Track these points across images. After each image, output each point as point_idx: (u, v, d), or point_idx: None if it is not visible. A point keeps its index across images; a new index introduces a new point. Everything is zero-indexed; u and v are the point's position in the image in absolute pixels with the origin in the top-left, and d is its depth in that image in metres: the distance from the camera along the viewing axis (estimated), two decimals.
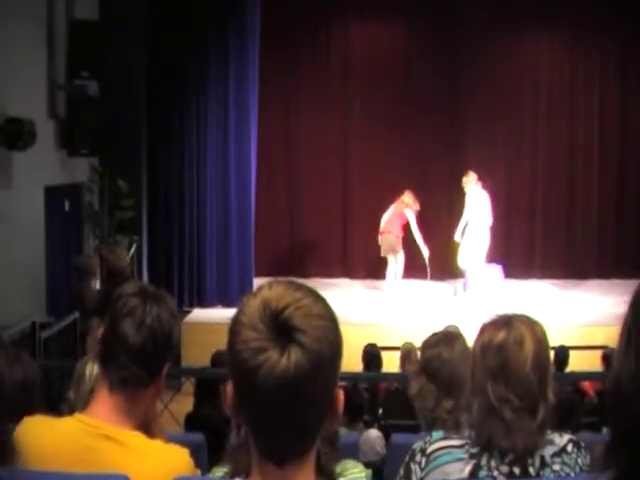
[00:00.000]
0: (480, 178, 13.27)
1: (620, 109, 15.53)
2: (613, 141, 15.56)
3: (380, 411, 7.49)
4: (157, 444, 2.56)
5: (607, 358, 8.38)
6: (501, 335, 2.79)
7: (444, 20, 14.84)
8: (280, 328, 1.53)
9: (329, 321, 1.60)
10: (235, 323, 1.58)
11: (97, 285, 10.98)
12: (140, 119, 12.17)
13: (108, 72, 11.16)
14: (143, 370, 2.54)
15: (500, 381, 2.75)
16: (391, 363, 9.00)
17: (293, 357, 1.51)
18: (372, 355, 8.93)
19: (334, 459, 2.15)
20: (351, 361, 9.21)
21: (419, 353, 4.01)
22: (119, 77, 11.48)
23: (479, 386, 2.82)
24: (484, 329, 2.88)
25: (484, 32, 14.87)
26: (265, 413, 1.56)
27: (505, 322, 2.84)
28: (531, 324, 2.86)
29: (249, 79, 12.95)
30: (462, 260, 13.22)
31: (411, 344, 8.81)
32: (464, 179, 13.21)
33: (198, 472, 2.68)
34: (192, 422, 6.23)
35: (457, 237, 13.24)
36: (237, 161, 12.92)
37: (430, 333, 3.89)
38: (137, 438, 2.53)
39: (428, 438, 2.99)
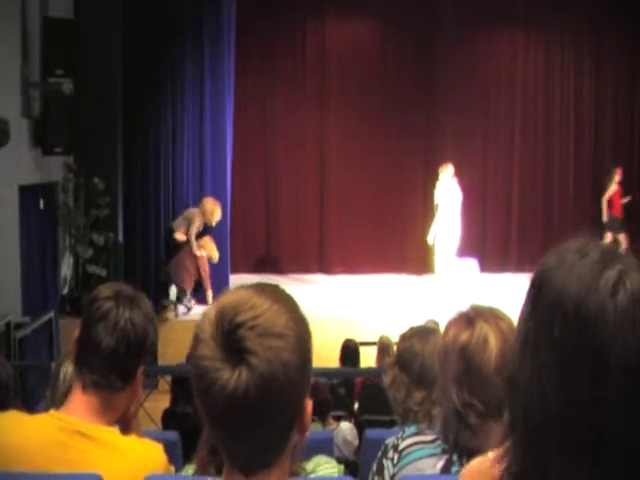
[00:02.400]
0: (457, 172, 13.31)
1: (595, 103, 15.64)
2: (588, 134, 15.67)
3: (356, 406, 7.51)
4: (131, 440, 2.57)
5: None
6: (464, 336, 2.74)
7: (420, 18, 14.85)
8: (231, 348, 1.52)
9: (289, 339, 1.56)
10: (194, 337, 1.57)
11: None
12: (116, 117, 12.10)
13: (83, 70, 11.12)
14: (115, 374, 2.54)
15: (464, 386, 2.72)
16: (369, 358, 9.03)
17: (243, 378, 1.50)
18: (350, 350, 8.95)
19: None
20: (330, 356, 9.27)
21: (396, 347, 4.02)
22: (94, 75, 11.42)
23: (444, 390, 2.81)
24: (448, 329, 2.85)
25: (460, 29, 14.93)
26: (220, 429, 1.57)
27: (468, 321, 2.80)
28: (496, 320, 2.81)
29: (225, 76, 12.92)
30: (438, 256, 13.27)
31: (388, 337, 8.86)
32: (441, 170, 13.23)
33: (172, 468, 2.70)
34: (169, 420, 6.22)
35: (430, 238, 13.25)
36: (213, 158, 12.90)
37: (406, 329, 3.90)
38: (110, 434, 2.53)
39: (400, 434, 3.00)
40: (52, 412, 2.57)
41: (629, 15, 14.96)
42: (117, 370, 2.54)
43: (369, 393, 7.24)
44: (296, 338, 1.57)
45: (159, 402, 7.14)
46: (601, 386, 1.28)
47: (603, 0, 14.86)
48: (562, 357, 1.30)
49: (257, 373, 1.50)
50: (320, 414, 6.19)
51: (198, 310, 12.50)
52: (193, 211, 12.46)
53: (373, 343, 9.04)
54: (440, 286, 13.12)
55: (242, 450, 1.58)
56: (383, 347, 8.60)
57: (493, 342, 2.71)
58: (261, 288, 1.62)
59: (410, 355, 3.59)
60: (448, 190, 13.18)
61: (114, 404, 2.58)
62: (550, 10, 14.90)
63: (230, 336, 1.52)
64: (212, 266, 12.82)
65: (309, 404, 1.63)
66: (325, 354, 9.80)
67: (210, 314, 1.57)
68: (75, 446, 2.47)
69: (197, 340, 1.56)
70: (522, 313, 1.40)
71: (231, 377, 1.50)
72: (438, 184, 13.26)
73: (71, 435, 2.48)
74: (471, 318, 2.77)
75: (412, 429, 3.02)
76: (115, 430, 2.57)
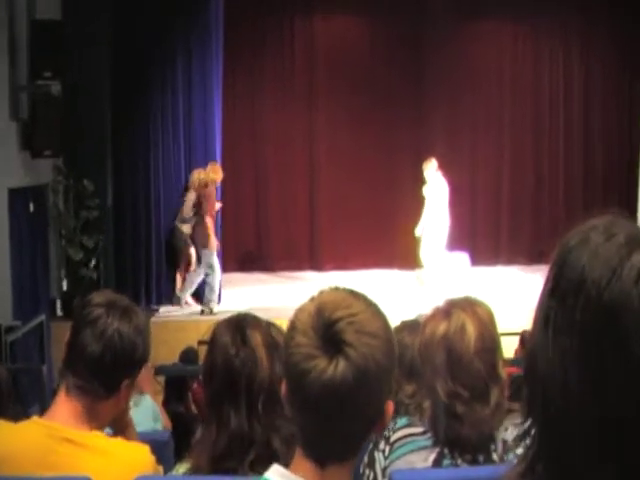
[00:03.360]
0: (442, 165, 13.35)
1: (584, 94, 15.68)
2: (577, 126, 15.69)
3: None
4: (117, 442, 2.58)
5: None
6: (442, 328, 2.77)
7: (408, 14, 14.82)
8: (331, 339, 1.60)
9: (382, 341, 1.66)
10: (290, 327, 1.66)
11: None
12: (105, 118, 12.09)
13: (71, 72, 11.11)
14: (99, 382, 2.55)
15: (447, 376, 2.74)
16: None
17: (340, 368, 1.57)
18: None
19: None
20: None
21: None
22: (83, 77, 11.42)
23: (428, 385, 2.83)
24: (425, 324, 2.87)
25: (448, 24, 14.94)
26: (309, 416, 1.64)
27: (445, 313, 2.81)
28: (472, 307, 2.83)
29: (214, 76, 12.90)
30: (424, 251, 13.29)
31: None
32: (425, 165, 13.29)
33: (160, 469, 2.70)
34: None
35: (418, 231, 13.29)
36: (203, 157, 12.87)
37: (397, 323, 3.92)
38: (97, 438, 2.55)
39: (392, 425, 3.00)
40: (36, 419, 2.59)
41: (619, 7, 15.02)
42: (101, 378, 2.56)
43: None
44: (387, 342, 1.69)
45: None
46: (623, 376, 1.20)
47: None
48: (585, 342, 1.22)
49: (354, 365, 1.58)
50: None
51: (165, 310, 12.47)
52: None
53: None
54: (431, 279, 13.13)
55: (325, 440, 1.65)
56: None
57: (471, 328, 2.74)
58: (356, 292, 1.74)
59: (400, 348, 3.59)
60: (434, 184, 13.22)
61: (97, 412, 2.58)
62: (538, 2, 14.92)
63: (329, 328, 1.60)
64: None
65: (390, 405, 1.71)
66: None
67: (309, 308, 1.66)
68: (63, 452, 2.48)
69: (294, 330, 1.64)
70: (543, 290, 1.30)
71: (328, 366, 1.58)
72: (425, 185, 13.32)
73: (59, 441, 2.49)
74: (447, 310, 2.80)
75: (403, 421, 3.03)
76: (101, 434, 2.57)
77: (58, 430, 2.49)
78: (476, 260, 14.09)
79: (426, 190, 13.29)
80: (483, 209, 15.56)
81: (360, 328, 1.62)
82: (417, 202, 13.82)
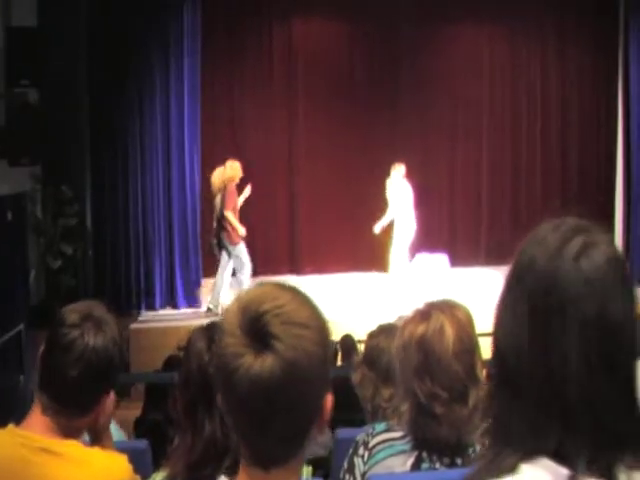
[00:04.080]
0: (421, 167, 13.39)
1: (561, 93, 15.78)
2: (555, 126, 15.78)
3: None
4: (94, 452, 2.57)
5: None
6: (420, 329, 2.79)
7: (385, 16, 14.83)
8: (256, 334, 1.55)
9: (313, 331, 1.60)
10: (219, 330, 1.61)
11: None
12: (82, 124, 12.05)
13: (49, 79, 11.06)
14: (75, 405, 2.55)
15: (425, 378, 2.75)
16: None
17: (267, 362, 1.53)
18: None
19: None
20: None
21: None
22: (60, 83, 11.36)
23: (407, 386, 2.83)
24: (404, 326, 2.88)
25: (425, 25, 15.02)
26: (243, 418, 1.59)
27: (424, 315, 2.83)
28: (451, 309, 2.85)
29: (192, 80, 12.89)
30: (394, 256, 13.34)
31: (351, 336, 8.93)
32: (393, 168, 13.33)
33: (138, 478, 2.69)
34: (141, 428, 6.20)
35: (377, 229, 13.30)
36: (181, 162, 12.87)
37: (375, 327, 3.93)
38: (73, 447, 2.53)
39: (371, 430, 3.02)
40: (11, 427, 2.57)
41: (593, 3, 15.15)
42: (77, 401, 2.55)
43: (342, 393, 7.23)
44: (318, 331, 1.61)
45: (132, 410, 7.12)
46: (564, 340, 1.42)
47: None
48: (533, 308, 1.46)
49: (282, 358, 1.53)
50: None
51: (146, 316, 12.43)
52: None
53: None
54: (397, 284, 13.16)
55: (263, 442, 1.60)
56: (347, 347, 8.65)
57: (449, 330, 2.76)
58: (282, 284, 1.67)
59: (377, 352, 3.62)
60: (399, 189, 13.26)
61: (73, 428, 2.58)
62: (514, 4, 14.99)
63: (255, 323, 1.56)
64: (184, 269, 12.82)
65: (329, 400, 1.65)
66: None
67: (234, 306, 1.61)
68: (38, 462, 2.47)
69: (220, 333, 1.60)
70: (506, 276, 1.56)
71: (255, 361, 1.53)
72: (388, 182, 13.35)
73: (34, 451, 2.47)
74: (426, 312, 2.81)
75: (382, 426, 3.04)
76: (77, 443, 2.56)
77: (33, 440, 2.48)
78: (455, 261, 14.14)
79: (391, 194, 13.32)
80: (462, 210, 15.60)
81: (287, 319, 1.56)
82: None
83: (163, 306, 12.69)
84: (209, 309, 12.26)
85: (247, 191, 12.77)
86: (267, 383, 1.53)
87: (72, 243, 11.51)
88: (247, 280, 12.33)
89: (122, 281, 12.61)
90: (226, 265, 12.44)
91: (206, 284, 13.06)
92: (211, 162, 14.07)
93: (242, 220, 13.25)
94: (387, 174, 13.69)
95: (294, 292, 1.64)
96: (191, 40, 12.87)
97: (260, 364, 1.53)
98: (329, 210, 14.70)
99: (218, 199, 12.50)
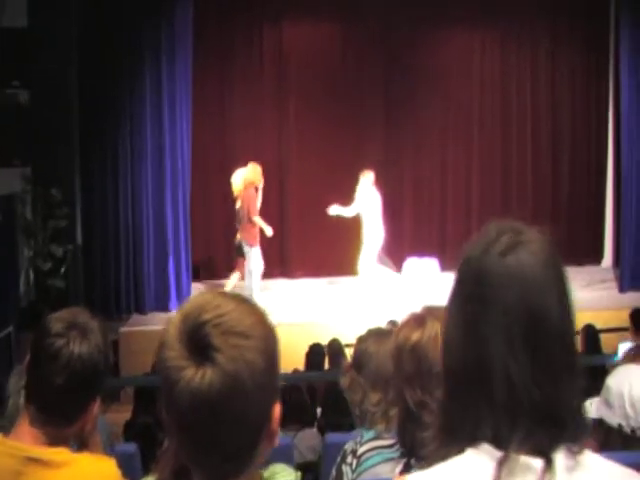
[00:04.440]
0: (412, 172, 13.38)
1: (552, 98, 15.83)
2: (546, 131, 15.82)
3: (319, 410, 7.51)
4: (83, 457, 2.56)
5: None
6: (415, 335, 2.77)
7: (376, 18, 14.84)
8: (196, 346, 1.50)
9: (256, 340, 1.54)
10: (160, 343, 1.56)
11: None
12: (73, 126, 12.01)
13: (39, 80, 11.04)
14: (62, 415, 2.54)
15: (416, 385, 2.74)
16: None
17: (207, 376, 1.48)
18: (316, 354, 8.99)
19: None
20: (296, 360, 9.30)
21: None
22: (50, 85, 11.34)
23: (397, 392, 2.83)
24: (398, 332, 2.88)
25: (416, 28, 15.03)
26: (187, 433, 1.55)
27: (419, 321, 2.82)
28: None
29: (182, 82, 12.86)
30: (362, 262, 13.33)
31: (338, 341, 8.94)
32: (362, 175, 13.28)
33: None
34: (130, 431, 6.19)
35: (332, 210, 13.21)
36: (172, 165, 12.83)
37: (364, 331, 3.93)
38: (62, 454, 2.51)
39: (359, 438, 3.01)
40: (0, 438, 2.56)
41: (584, 8, 15.23)
42: (64, 411, 2.54)
43: (332, 397, 7.24)
44: (262, 340, 1.55)
45: (122, 413, 7.11)
46: (489, 328, 1.56)
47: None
48: (463, 300, 1.62)
49: (222, 370, 1.48)
50: (292, 419, 6.17)
51: (136, 319, 12.40)
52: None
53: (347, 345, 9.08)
54: (365, 289, 13.18)
55: (210, 459, 1.55)
56: (334, 351, 8.67)
57: None
58: (225, 292, 1.63)
59: (366, 357, 3.61)
60: (367, 196, 13.24)
61: (62, 437, 2.57)
62: (505, 7, 15.04)
63: (194, 334, 1.51)
64: (174, 274, 12.79)
65: (277, 409, 1.60)
66: (289, 358, 9.78)
67: (175, 317, 1.56)
68: (27, 472, 2.45)
69: (162, 347, 1.54)
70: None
71: (195, 374, 1.48)
72: (357, 189, 13.31)
73: (22, 462, 2.45)
74: (422, 318, 2.81)
75: (370, 434, 3.03)
76: (65, 450, 2.55)
77: (22, 450, 2.46)
78: (445, 266, 14.14)
79: (359, 201, 13.28)
80: (452, 215, 15.62)
81: (228, 329, 1.51)
82: (385, 208, 13.84)
83: (153, 309, 12.65)
84: None
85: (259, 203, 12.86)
86: (207, 397, 1.48)
87: (62, 245, 11.48)
88: (253, 285, 12.41)
89: (112, 284, 12.57)
90: (249, 266, 12.55)
91: (196, 288, 13.06)
92: (201, 164, 14.09)
93: (232, 223, 13.29)
94: (377, 178, 13.69)
95: (238, 300, 1.59)
96: (183, 41, 12.84)
97: (200, 377, 1.48)
98: (320, 214, 14.59)
99: (239, 202, 12.58)
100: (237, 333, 1.52)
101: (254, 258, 12.58)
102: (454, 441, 1.56)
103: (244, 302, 1.59)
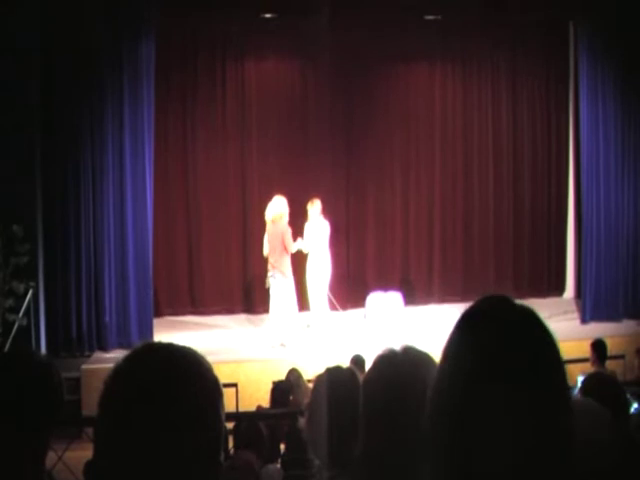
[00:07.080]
0: (375, 205, 13.40)
1: (512, 130, 16.07)
2: (507, 161, 16.07)
3: (283, 447, 7.47)
4: None
5: None
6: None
7: (338, 56, 14.83)
8: None
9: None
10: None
11: None
12: (34, 161, 11.96)
13: None
14: None
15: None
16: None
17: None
18: (280, 391, 8.95)
19: None
20: (260, 397, 9.25)
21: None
22: (9, 118, 11.29)
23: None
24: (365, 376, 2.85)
25: (377, 65, 15.19)
26: None
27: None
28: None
29: (145, 118, 12.75)
30: (312, 293, 13.31)
31: (297, 371, 8.91)
32: (310, 205, 13.28)
33: None
34: (91, 471, 6.10)
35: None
36: (134, 200, 12.75)
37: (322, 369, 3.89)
38: None
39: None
40: None
41: (543, 37, 15.47)
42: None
43: (295, 433, 7.22)
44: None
45: (84, 451, 7.01)
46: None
47: (519, 26, 15.26)
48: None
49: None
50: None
51: (98, 356, 12.30)
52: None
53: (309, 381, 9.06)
54: (318, 322, 13.17)
55: None
56: (292, 383, 8.66)
57: None
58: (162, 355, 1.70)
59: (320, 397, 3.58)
60: (316, 226, 13.23)
61: None
62: (466, 39, 15.23)
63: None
64: (135, 308, 12.69)
65: None
66: (256, 394, 9.80)
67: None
68: None
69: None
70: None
71: None
72: (307, 225, 13.32)
73: None
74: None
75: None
76: None
77: None
78: (409, 300, 14.19)
79: (308, 230, 13.28)
80: (415, 248, 15.70)
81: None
82: (349, 241, 13.86)
83: (115, 346, 12.54)
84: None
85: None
86: None
87: (23, 282, 11.38)
88: (283, 317, 12.53)
89: (73, 320, 12.46)
90: (285, 298, 12.51)
91: (157, 323, 13.00)
92: (164, 201, 14.05)
93: (195, 260, 13.23)
94: (338, 212, 13.73)
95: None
96: (145, 79, 12.76)
97: None
98: None
99: (273, 234, 12.61)
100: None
101: (289, 292, 12.58)
102: None
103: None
